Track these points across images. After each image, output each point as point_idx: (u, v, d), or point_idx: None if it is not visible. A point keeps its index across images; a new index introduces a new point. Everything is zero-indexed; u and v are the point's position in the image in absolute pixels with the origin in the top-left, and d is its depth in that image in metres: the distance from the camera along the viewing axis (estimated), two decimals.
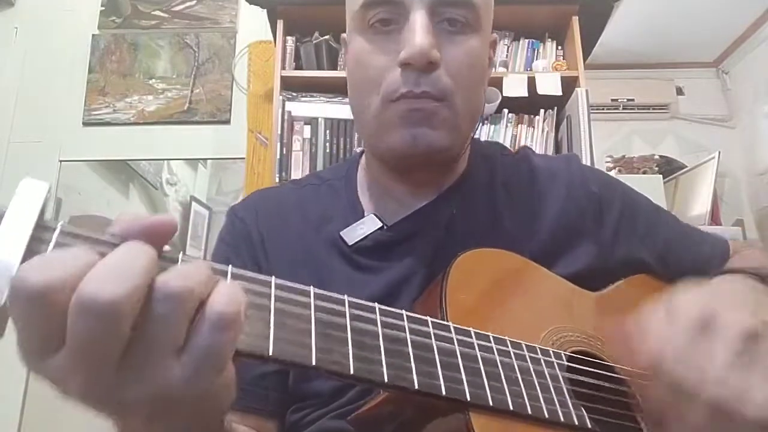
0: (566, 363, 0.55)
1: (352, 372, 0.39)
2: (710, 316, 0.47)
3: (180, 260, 0.37)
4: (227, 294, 0.34)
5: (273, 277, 0.40)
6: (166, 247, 0.37)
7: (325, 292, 0.42)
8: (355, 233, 0.71)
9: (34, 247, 0.33)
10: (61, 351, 0.32)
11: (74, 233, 0.35)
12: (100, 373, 0.32)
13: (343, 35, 0.75)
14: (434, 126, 0.64)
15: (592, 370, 0.56)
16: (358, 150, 0.84)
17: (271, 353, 0.37)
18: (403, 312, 0.46)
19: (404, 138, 0.64)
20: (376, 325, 0.43)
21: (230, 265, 0.39)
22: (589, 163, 1.95)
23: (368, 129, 0.69)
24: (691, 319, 0.47)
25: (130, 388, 0.33)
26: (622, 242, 0.74)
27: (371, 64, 0.66)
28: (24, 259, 0.32)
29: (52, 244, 0.34)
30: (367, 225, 0.71)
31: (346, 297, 0.43)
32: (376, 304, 0.45)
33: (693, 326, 0.47)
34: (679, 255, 0.77)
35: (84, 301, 0.30)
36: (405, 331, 0.45)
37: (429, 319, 0.48)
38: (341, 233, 0.71)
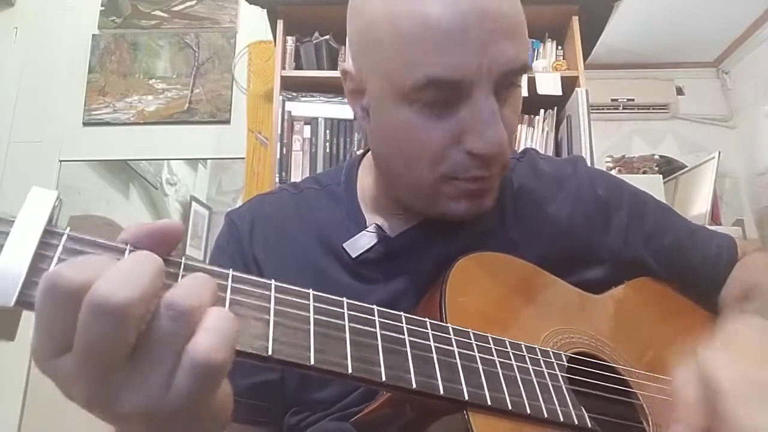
0: (566, 364, 0.55)
1: (350, 371, 0.40)
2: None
3: (182, 265, 0.38)
4: (219, 331, 0.34)
5: (273, 280, 0.41)
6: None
7: (323, 295, 0.43)
8: (358, 245, 0.69)
9: (42, 253, 0.35)
10: (69, 353, 0.33)
11: (81, 238, 0.36)
12: (103, 378, 0.33)
13: (345, 66, 0.68)
14: (492, 192, 0.65)
15: (593, 370, 0.57)
16: (359, 152, 0.83)
17: (270, 353, 0.37)
18: (402, 314, 0.46)
19: (465, 208, 0.64)
20: (375, 326, 0.44)
21: (231, 269, 0.40)
22: (589, 164, 1.95)
23: (413, 193, 0.67)
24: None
25: (130, 398, 0.34)
26: (631, 245, 0.74)
27: (426, 140, 0.60)
28: (32, 264, 0.34)
29: (59, 249, 0.35)
30: (369, 236, 0.70)
31: (344, 299, 0.43)
32: (375, 306, 0.45)
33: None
34: (687, 255, 0.77)
35: (97, 302, 0.31)
36: (403, 333, 0.45)
37: (427, 320, 0.48)
38: (344, 245, 0.70)
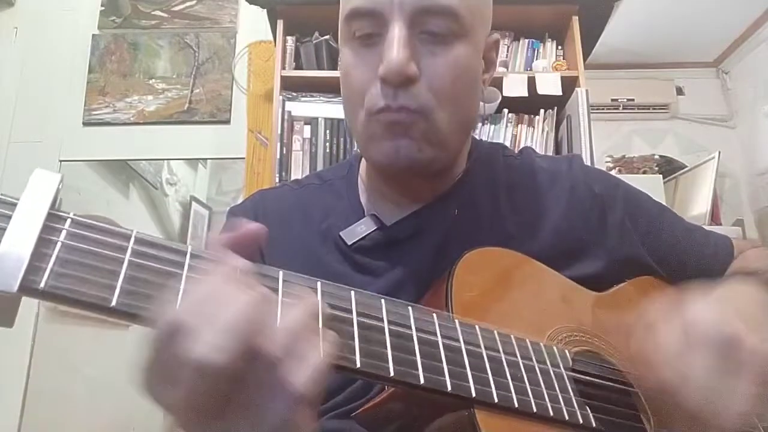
0: (571, 362, 0.55)
1: (358, 366, 0.39)
2: (730, 344, 0.47)
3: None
4: (311, 370, 0.34)
5: (281, 271, 0.40)
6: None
7: (331, 284, 0.43)
8: (354, 233, 0.71)
9: (46, 237, 0.34)
10: (171, 388, 0.33)
11: (86, 223, 0.36)
12: (199, 419, 0.34)
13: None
14: (415, 138, 0.64)
15: (597, 370, 0.56)
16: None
17: None
18: (409, 307, 0.46)
19: (387, 150, 0.64)
20: (383, 321, 0.43)
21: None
22: (589, 163, 1.95)
23: (357, 139, 0.70)
24: (711, 345, 0.48)
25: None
26: (627, 243, 0.74)
27: (355, 77, 0.66)
28: (35, 249, 0.33)
29: (64, 234, 0.35)
30: (366, 225, 0.71)
31: (352, 291, 0.43)
32: (382, 299, 0.45)
33: (713, 353, 0.47)
34: (683, 254, 0.77)
35: (196, 362, 0.31)
36: (411, 328, 0.45)
37: (435, 315, 0.48)
38: (341, 233, 0.71)
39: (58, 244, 0.34)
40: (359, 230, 0.71)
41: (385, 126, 0.64)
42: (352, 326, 0.41)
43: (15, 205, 0.34)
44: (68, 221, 0.35)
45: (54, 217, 0.35)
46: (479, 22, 0.68)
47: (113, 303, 0.34)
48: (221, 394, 0.33)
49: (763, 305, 0.57)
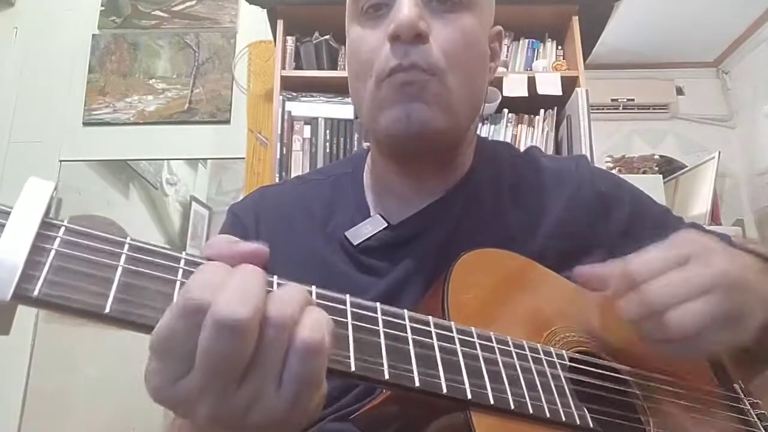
0: (568, 363, 0.55)
1: (353, 369, 0.39)
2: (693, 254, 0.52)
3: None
4: (312, 322, 0.36)
5: (275, 276, 0.40)
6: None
7: (326, 292, 0.42)
8: (359, 233, 0.70)
9: (40, 245, 0.34)
10: (191, 373, 0.34)
11: (80, 231, 0.36)
12: (226, 394, 0.35)
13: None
14: (427, 101, 0.63)
15: (595, 370, 0.56)
16: (365, 146, 0.83)
17: None
18: (405, 311, 0.46)
19: (399, 114, 0.63)
20: (377, 324, 0.43)
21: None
22: None
23: (366, 113, 0.68)
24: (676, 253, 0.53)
25: (251, 413, 0.35)
26: (630, 243, 0.74)
27: (364, 47, 0.66)
28: (29, 257, 0.33)
29: (58, 241, 0.35)
30: (372, 225, 0.71)
31: (347, 296, 0.43)
32: (378, 304, 0.45)
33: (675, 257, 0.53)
34: None
35: (221, 319, 0.33)
36: (406, 331, 0.45)
37: (431, 318, 0.48)
38: (346, 234, 0.70)
39: (52, 252, 0.34)
40: (365, 230, 0.71)
41: (397, 88, 0.63)
42: (347, 329, 0.41)
43: (8, 213, 0.33)
44: (62, 229, 0.35)
45: (48, 225, 0.35)
46: (485, 3, 0.69)
47: (107, 310, 0.34)
48: (245, 354, 0.34)
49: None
